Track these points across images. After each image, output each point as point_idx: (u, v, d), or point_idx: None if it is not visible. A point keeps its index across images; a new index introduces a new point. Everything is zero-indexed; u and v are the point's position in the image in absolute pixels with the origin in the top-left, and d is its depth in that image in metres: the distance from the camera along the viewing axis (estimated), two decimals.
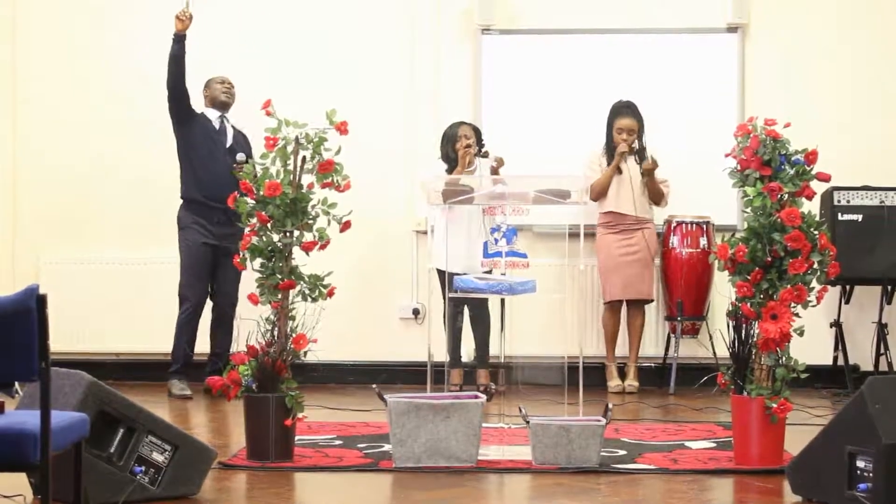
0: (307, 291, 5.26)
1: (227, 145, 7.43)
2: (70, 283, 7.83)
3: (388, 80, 8.06)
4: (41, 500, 3.38)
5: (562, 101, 7.96)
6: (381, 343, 7.94)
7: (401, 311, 8.02)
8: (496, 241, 5.48)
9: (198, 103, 7.47)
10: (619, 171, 7.50)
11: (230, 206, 5.36)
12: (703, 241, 7.61)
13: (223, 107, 7.50)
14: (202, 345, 7.42)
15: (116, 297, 7.92)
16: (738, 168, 5.11)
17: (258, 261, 5.26)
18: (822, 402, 6.98)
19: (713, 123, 7.67)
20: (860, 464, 4.12)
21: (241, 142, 7.51)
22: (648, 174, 7.45)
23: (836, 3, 7.99)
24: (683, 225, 7.64)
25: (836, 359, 7.61)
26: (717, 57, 7.97)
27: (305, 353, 5.22)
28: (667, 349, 7.77)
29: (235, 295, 7.31)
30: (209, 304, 7.43)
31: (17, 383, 4.14)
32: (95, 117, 8.05)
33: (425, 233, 7.76)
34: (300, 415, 5.17)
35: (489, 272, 5.78)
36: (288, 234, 5.24)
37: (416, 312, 7.98)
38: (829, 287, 5.18)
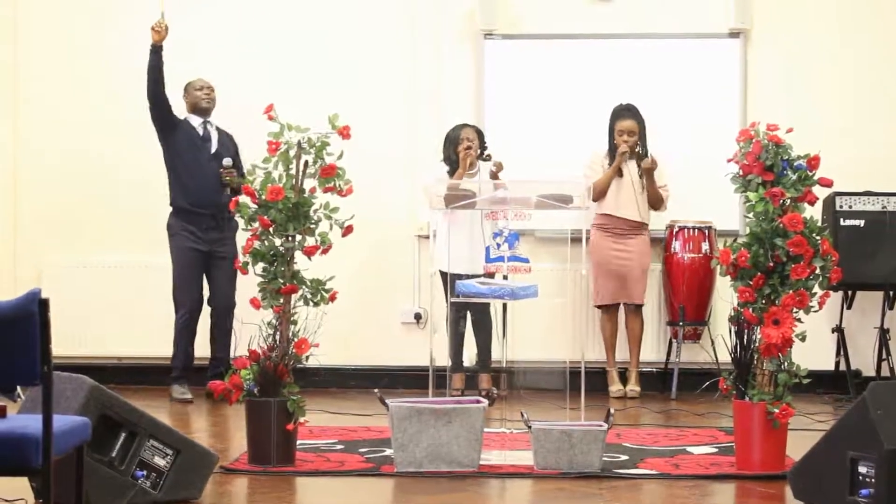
0: (309, 296, 5.26)
1: (213, 151, 7.41)
2: (72, 286, 7.83)
3: (390, 84, 8.06)
4: None
5: (564, 105, 7.96)
6: (383, 347, 7.94)
7: (403, 315, 8.02)
8: (498, 245, 5.48)
9: (180, 108, 7.46)
10: (619, 173, 7.50)
11: (231, 209, 5.36)
12: (704, 246, 7.60)
13: (204, 112, 7.48)
14: (203, 349, 7.42)
15: (118, 300, 7.91)
16: (741, 173, 5.11)
17: (260, 265, 5.26)
18: (823, 407, 6.98)
19: (715, 128, 7.67)
20: (862, 469, 4.12)
21: (227, 144, 7.49)
22: (647, 174, 7.44)
23: (839, 9, 7.99)
24: (685, 230, 7.64)
25: (837, 364, 7.61)
26: (719, 62, 7.97)
27: (307, 357, 5.22)
28: (668, 354, 7.77)
29: (232, 298, 7.32)
30: (207, 308, 7.44)
31: (19, 387, 4.14)
32: (96, 118, 8.04)
33: (427, 237, 7.75)
34: (302, 419, 5.17)
35: (491, 277, 5.78)
36: (290, 238, 5.24)
37: (417, 317, 7.98)
38: (830, 292, 5.20)
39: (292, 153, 5.26)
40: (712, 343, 7.48)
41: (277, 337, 5.22)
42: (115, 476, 4.20)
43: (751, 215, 5.05)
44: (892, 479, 4.01)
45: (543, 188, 5.59)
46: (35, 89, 8.13)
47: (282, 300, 5.22)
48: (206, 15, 8.07)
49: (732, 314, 5.12)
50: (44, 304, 3.27)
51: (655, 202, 7.55)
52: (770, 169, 5.02)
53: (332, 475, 5.04)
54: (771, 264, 4.98)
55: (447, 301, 5.85)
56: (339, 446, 5.65)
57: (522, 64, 8.02)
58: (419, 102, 8.06)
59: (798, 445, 4.87)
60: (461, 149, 7.31)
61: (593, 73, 7.97)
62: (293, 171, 5.26)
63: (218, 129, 7.51)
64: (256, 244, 5.24)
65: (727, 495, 4.80)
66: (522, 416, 5.17)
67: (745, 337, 5.04)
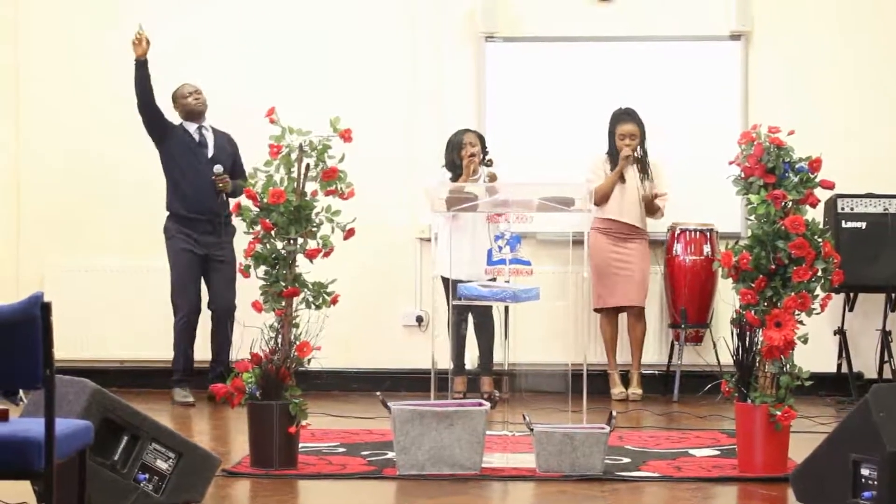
0: (311, 299, 5.26)
1: (209, 156, 7.41)
2: (74, 289, 7.82)
3: (391, 87, 8.06)
4: None
5: (565, 108, 7.95)
6: (385, 350, 7.93)
7: (404, 318, 8.01)
8: (500, 248, 5.48)
9: (173, 118, 7.46)
10: (622, 178, 7.50)
11: (230, 213, 5.36)
12: (706, 249, 7.60)
13: (199, 116, 7.45)
14: (204, 353, 7.42)
15: (120, 303, 7.91)
16: (742, 175, 5.12)
17: (262, 268, 5.26)
18: (825, 409, 6.97)
19: (717, 131, 7.67)
20: (864, 472, 4.12)
21: (225, 146, 7.48)
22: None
23: (839, 10, 7.98)
24: (687, 232, 7.64)
25: (839, 366, 7.60)
26: (720, 64, 7.96)
27: (309, 360, 5.22)
28: (670, 357, 7.76)
29: (232, 301, 7.32)
30: (207, 312, 7.44)
31: (21, 391, 4.14)
32: (98, 120, 8.04)
33: (429, 240, 7.76)
34: (304, 422, 5.17)
35: (493, 280, 5.79)
36: (292, 241, 5.24)
37: (419, 320, 7.98)
38: (832, 295, 5.19)
39: (294, 156, 5.26)
40: (714, 346, 7.47)
41: (279, 340, 5.22)
42: (117, 479, 4.20)
43: (752, 218, 5.05)
44: (894, 482, 4.00)
45: (545, 191, 5.60)
46: (37, 91, 8.12)
47: (283, 303, 5.23)
48: (206, 19, 8.06)
49: (734, 316, 5.12)
50: (46, 308, 3.27)
51: (652, 211, 7.56)
52: (772, 171, 5.02)
53: (335, 478, 5.04)
54: (773, 267, 4.98)
55: (448, 304, 5.84)
56: (341, 449, 5.65)
57: (523, 66, 8.02)
58: (420, 105, 8.06)
59: (800, 448, 4.87)
60: (465, 154, 7.31)
61: (594, 76, 7.97)
62: (295, 175, 5.26)
63: (215, 131, 7.50)
64: (258, 247, 5.24)
65: (729, 498, 4.81)
66: (524, 418, 5.16)
67: (747, 339, 5.04)
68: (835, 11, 7.98)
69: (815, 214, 5.21)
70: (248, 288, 5.64)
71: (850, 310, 7.61)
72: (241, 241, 5.49)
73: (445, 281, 6.68)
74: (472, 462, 5.04)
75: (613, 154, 7.56)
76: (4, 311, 3.26)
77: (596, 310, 7.63)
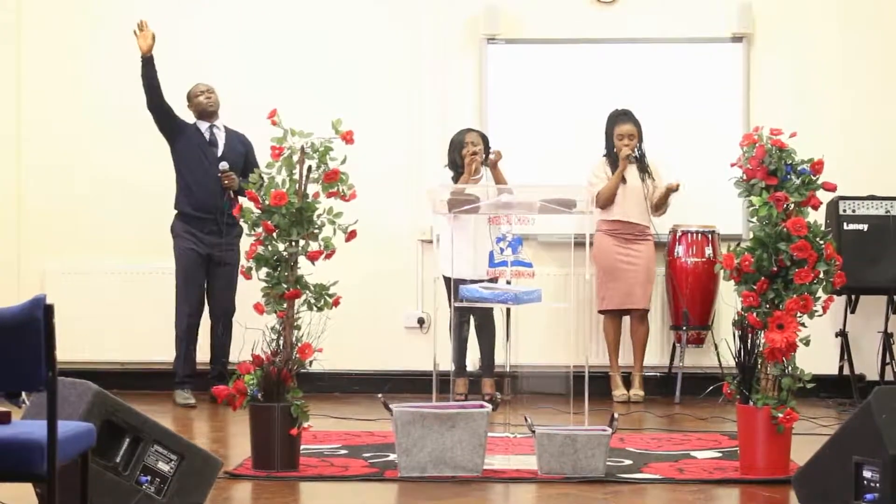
0: (313, 301, 5.26)
1: (219, 155, 7.41)
2: (75, 291, 7.82)
3: (393, 89, 8.06)
4: None
5: (567, 110, 7.95)
6: (387, 352, 7.93)
7: (406, 320, 8.01)
8: (502, 250, 5.49)
9: (187, 117, 7.47)
10: (623, 179, 7.50)
11: (234, 214, 5.36)
12: (708, 251, 7.60)
13: (211, 116, 7.46)
14: (205, 354, 7.42)
15: (122, 305, 7.91)
16: (744, 177, 5.11)
17: (264, 270, 5.26)
18: (827, 411, 6.97)
19: (718, 133, 7.68)
20: (867, 474, 4.11)
21: (236, 145, 7.47)
22: (668, 193, 7.45)
23: (841, 13, 7.98)
24: (689, 234, 7.64)
25: (841, 368, 7.60)
26: (722, 66, 7.96)
27: (311, 362, 5.22)
28: (672, 358, 7.76)
29: (231, 303, 7.32)
30: (207, 313, 7.44)
31: (23, 393, 4.14)
32: (99, 122, 8.04)
33: (430, 242, 7.76)
34: (305, 424, 5.17)
35: (495, 281, 5.79)
36: (293, 243, 5.24)
37: (421, 321, 7.98)
38: (834, 296, 5.18)
39: (296, 158, 5.26)
40: (716, 347, 7.46)
41: (281, 342, 5.22)
42: (119, 482, 4.20)
43: (754, 219, 5.05)
44: None
45: (547, 193, 5.60)
46: (37, 92, 8.13)
47: (285, 305, 5.23)
48: (210, 20, 8.07)
49: (736, 318, 5.11)
50: (48, 310, 3.27)
51: (658, 210, 7.56)
52: (774, 173, 5.02)
53: (336, 480, 5.04)
54: (775, 268, 4.98)
55: (450, 306, 5.85)
56: (342, 451, 5.65)
57: (525, 69, 8.02)
58: (422, 107, 8.06)
59: (802, 450, 4.87)
60: (466, 153, 7.30)
61: (596, 78, 7.97)
62: (296, 176, 5.27)
63: (228, 130, 7.50)
64: (260, 249, 5.25)
65: (731, 500, 4.80)
66: (526, 420, 5.16)
67: (749, 341, 5.03)
68: (836, 13, 7.98)
69: (817, 216, 5.21)
70: (250, 290, 5.64)
71: (852, 312, 7.60)
72: (246, 243, 5.49)
73: (447, 281, 6.68)
74: (473, 464, 5.04)
75: (611, 155, 7.56)
76: (7, 313, 3.26)
77: (600, 311, 7.63)
